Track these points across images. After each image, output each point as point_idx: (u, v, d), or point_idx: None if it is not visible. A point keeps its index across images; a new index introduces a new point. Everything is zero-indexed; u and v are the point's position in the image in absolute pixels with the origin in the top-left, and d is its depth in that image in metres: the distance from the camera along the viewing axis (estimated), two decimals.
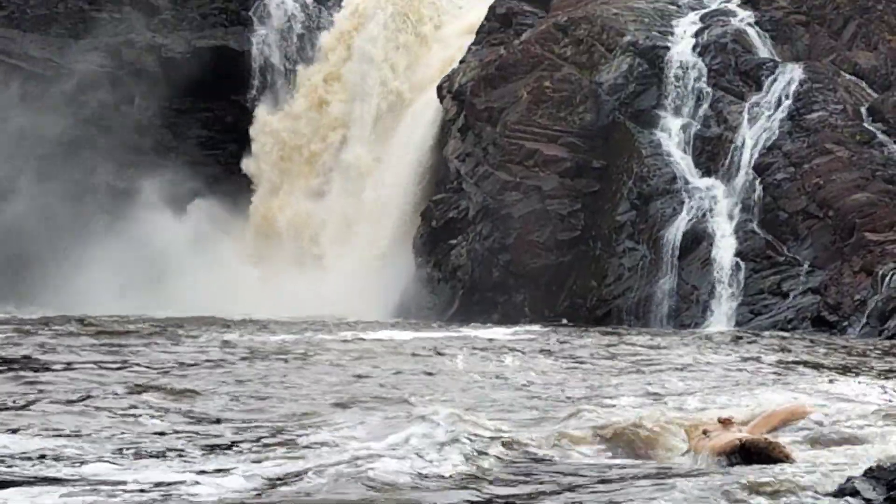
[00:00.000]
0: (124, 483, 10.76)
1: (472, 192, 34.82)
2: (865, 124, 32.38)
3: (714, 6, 37.43)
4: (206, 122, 43.30)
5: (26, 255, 39.34)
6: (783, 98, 33.32)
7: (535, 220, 33.53)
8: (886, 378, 17.65)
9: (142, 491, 10.50)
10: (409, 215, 37.52)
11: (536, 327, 29.27)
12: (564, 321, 32.04)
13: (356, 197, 39.61)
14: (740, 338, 25.76)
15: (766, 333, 27.42)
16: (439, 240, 35.56)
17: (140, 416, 14.36)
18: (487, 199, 34.24)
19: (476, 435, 12.54)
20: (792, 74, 33.79)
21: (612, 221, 33.09)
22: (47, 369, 18.31)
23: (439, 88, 37.87)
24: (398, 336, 25.23)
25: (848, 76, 34.20)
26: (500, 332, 26.74)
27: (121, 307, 34.68)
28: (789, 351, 22.48)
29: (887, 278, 27.54)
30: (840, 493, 9.59)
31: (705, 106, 34.17)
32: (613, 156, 34.00)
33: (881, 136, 31.87)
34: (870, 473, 9.69)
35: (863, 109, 32.93)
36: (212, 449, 12.47)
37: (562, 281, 33.31)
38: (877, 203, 29.88)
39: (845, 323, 27.72)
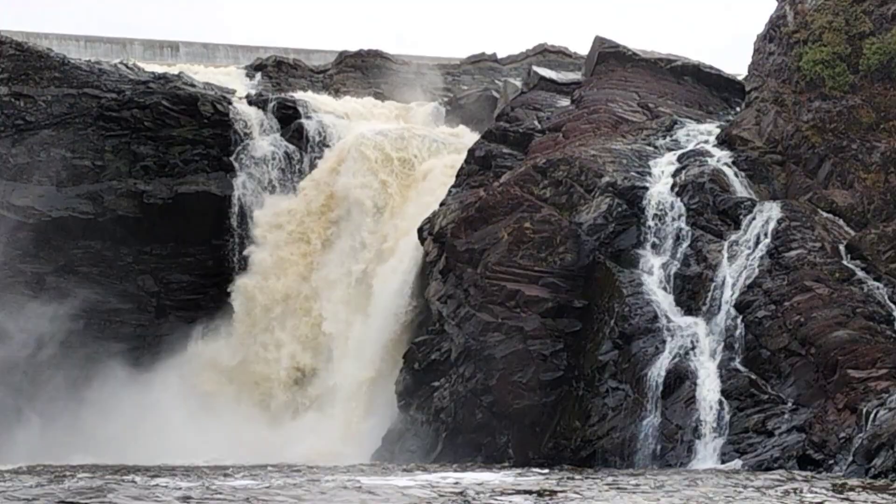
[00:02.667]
0: None
1: (454, 334, 34.78)
2: (844, 262, 32.59)
3: (691, 147, 37.93)
4: (188, 266, 43.31)
5: None
6: (762, 236, 33.57)
7: (518, 360, 33.44)
8: None
9: None
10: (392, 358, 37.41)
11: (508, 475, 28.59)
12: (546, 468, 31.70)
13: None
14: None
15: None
16: (422, 382, 35.41)
17: None
18: (469, 341, 34.18)
19: None
20: (770, 213, 34.10)
21: (595, 361, 33.03)
22: None
23: (420, 231, 38.08)
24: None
25: (825, 214, 34.53)
26: (488, 478, 26.33)
27: None
28: None
29: (872, 415, 27.42)
30: None
31: (685, 245, 34.39)
32: (594, 295, 34.08)
33: (860, 274, 32.05)
34: None
35: (841, 247, 33.19)
36: None
37: (546, 422, 33.10)
38: (858, 340, 29.91)
39: (831, 461, 27.51)
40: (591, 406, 32.55)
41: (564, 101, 41.85)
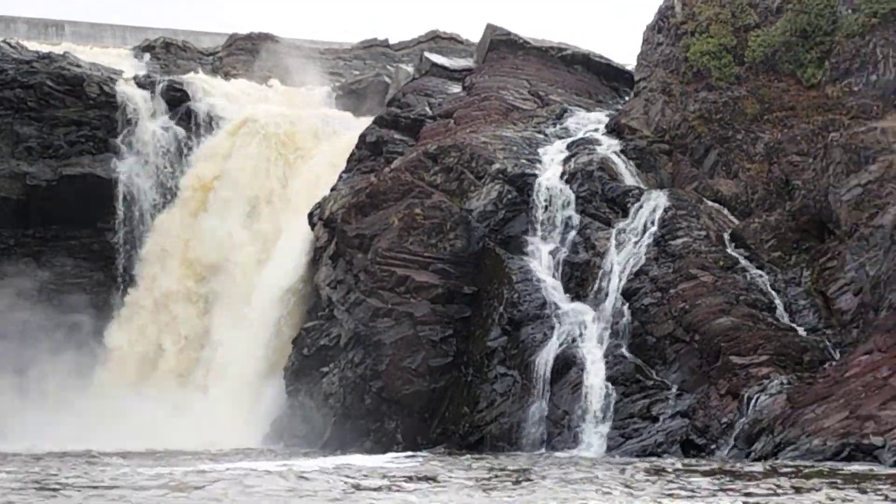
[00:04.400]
0: None
1: (344, 320, 34.72)
2: (728, 250, 33.14)
3: (580, 135, 38.27)
4: (72, 250, 42.64)
5: None
6: (649, 224, 33.98)
7: (407, 346, 33.50)
8: None
9: None
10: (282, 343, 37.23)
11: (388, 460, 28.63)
12: (442, 449, 31.86)
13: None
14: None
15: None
16: (311, 368, 35.30)
17: None
18: (359, 326, 34.15)
19: None
20: (657, 201, 34.54)
21: (484, 347, 33.21)
22: None
23: (310, 216, 37.91)
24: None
25: (710, 203, 35.08)
26: (372, 462, 26.40)
27: None
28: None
29: (753, 401, 27.96)
30: None
31: (574, 232, 34.70)
32: (484, 282, 34.25)
33: (743, 262, 32.62)
34: None
35: (725, 235, 33.74)
36: None
37: (434, 407, 33.21)
38: (741, 327, 30.45)
39: (713, 446, 28.02)
40: (479, 392, 32.73)
41: (456, 88, 41.95)
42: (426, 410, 33.20)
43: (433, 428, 33.08)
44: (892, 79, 35.53)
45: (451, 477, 22.79)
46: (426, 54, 44.94)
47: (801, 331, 30.56)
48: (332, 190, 38.27)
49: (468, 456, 29.20)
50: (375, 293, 34.24)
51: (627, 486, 20.91)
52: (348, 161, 39.71)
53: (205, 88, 44.93)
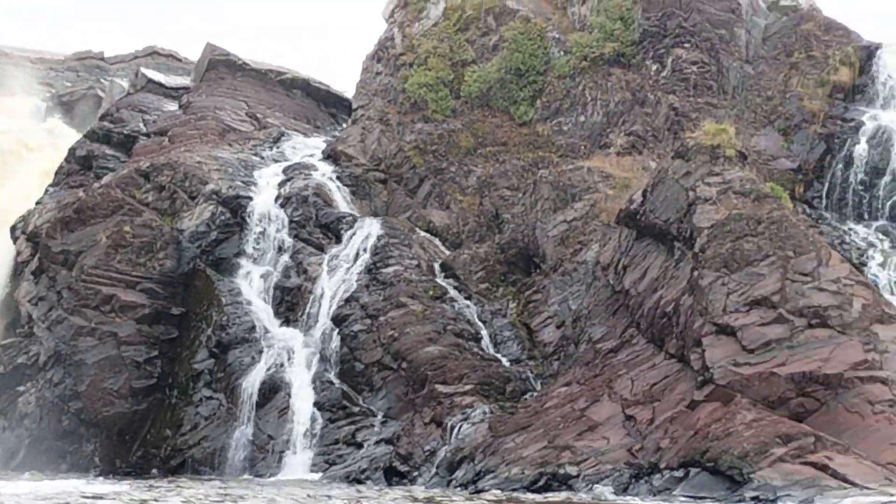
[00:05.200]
0: None
1: (44, 337, 33.54)
2: (438, 280, 33.62)
3: (296, 160, 38.20)
4: None
5: None
6: (361, 251, 34.15)
7: (110, 366, 32.59)
8: None
9: None
10: None
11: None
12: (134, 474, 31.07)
13: None
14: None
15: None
16: (7, 386, 33.93)
17: None
18: (60, 345, 33.03)
19: None
20: (370, 229, 34.76)
21: (190, 369, 32.65)
22: None
23: (13, 229, 36.53)
24: None
25: (423, 233, 35.56)
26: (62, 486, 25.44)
27: None
28: None
29: (456, 429, 28.35)
30: None
31: (286, 256, 34.56)
32: (193, 303, 33.71)
33: (452, 292, 33.15)
34: None
35: (436, 265, 34.24)
36: None
37: (136, 430, 32.40)
38: (447, 356, 30.88)
39: (416, 473, 28.25)
40: (183, 415, 32.14)
41: (172, 106, 41.27)
42: (127, 433, 32.34)
43: (133, 451, 32.25)
44: (598, 120, 36.88)
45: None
46: (142, 70, 44.08)
47: (505, 361, 31.22)
48: (38, 203, 36.98)
49: (165, 481, 28.56)
50: (79, 311, 33.19)
51: None
52: (56, 174, 38.50)
53: None
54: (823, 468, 21.93)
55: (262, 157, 38.16)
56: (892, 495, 20.59)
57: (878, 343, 24.49)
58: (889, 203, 33.26)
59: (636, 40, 37.49)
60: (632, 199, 30.34)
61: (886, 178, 33.47)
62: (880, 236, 32.68)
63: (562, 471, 24.94)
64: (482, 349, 31.54)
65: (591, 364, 28.42)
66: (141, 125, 40.00)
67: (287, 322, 33.33)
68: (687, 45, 36.82)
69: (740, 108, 35.85)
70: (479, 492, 24.93)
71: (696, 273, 26.51)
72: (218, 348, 32.58)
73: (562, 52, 38.11)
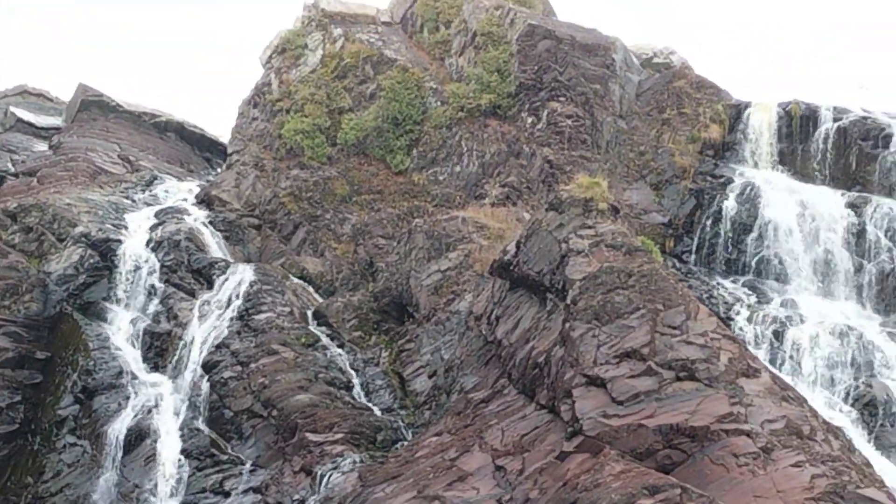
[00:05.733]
0: None
1: None
2: (311, 327, 33.43)
3: (169, 203, 37.80)
4: None
5: None
6: (234, 298, 33.83)
7: None
8: None
9: None
10: None
11: None
12: None
13: None
14: None
15: None
16: None
17: None
18: None
19: None
20: (243, 275, 34.47)
21: (54, 415, 31.91)
22: None
23: None
24: None
25: (296, 280, 35.38)
26: None
27: None
28: None
29: (325, 478, 28.12)
30: None
31: (156, 301, 34.09)
32: (59, 347, 33.02)
33: (325, 339, 32.98)
34: None
35: (309, 313, 34.05)
36: None
37: None
38: (318, 404, 30.65)
39: None
40: (46, 462, 31.36)
41: (42, 146, 40.64)
42: None
43: None
44: (474, 171, 37.12)
45: None
46: (12, 108, 43.35)
47: (376, 410, 31.08)
48: None
49: None
50: None
51: None
52: None
53: None
54: None
55: (134, 201, 37.69)
56: None
57: (743, 396, 24.87)
58: (756, 259, 33.93)
59: (512, 93, 37.88)
60: (505, 250, 30.52)
61: (753, 234, 34.16)
62: (747, 291, 33.30)
63: None
64: (353, 398, 31.38)
65: (462, 414, 28.42)
66: (9, 165, 39.28)
67: (156, 368, 32.82)
68: (562, 98, 37.30)
69: (613, 162, 36.38)
70: None
71: (567, 325, 26.71)
72: (84, 394, 31.93)
73: (439, 103, 38.35)
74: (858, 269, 33.31)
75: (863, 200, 34.22)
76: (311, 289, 35.45)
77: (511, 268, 29.81)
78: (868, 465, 25.41)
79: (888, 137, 34.99)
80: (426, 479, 26.26)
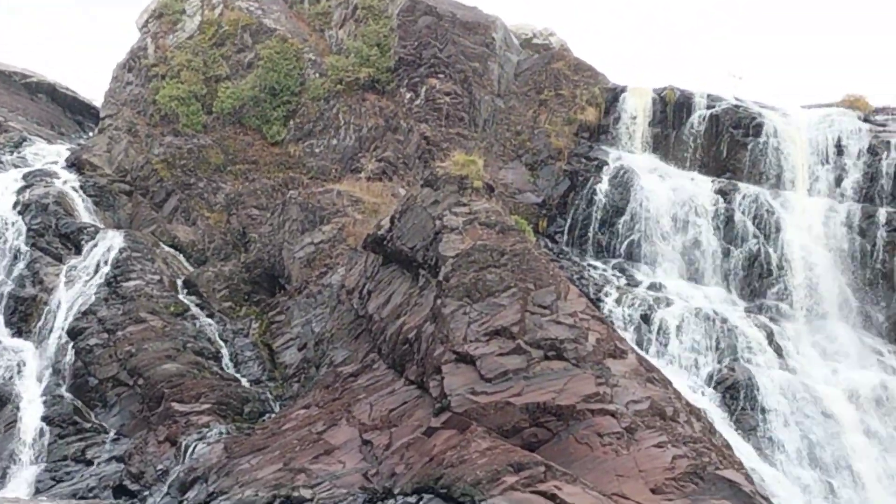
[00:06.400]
0: None
1: None
2: (180, 296, 33.07)
3: (38, 166, 37.04)
4: None
5: None
6: (102, 264, 33.31)
7: None
8: None
9: None
10: None
11: None
12: None
13: None
14: None
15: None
16: None
17: None
18: None
19: None
20: (112, 241, 33.93)
21: None
22: None
23: None
24: None
25: (167, 248, 34.94)
26: None
27: None
28: None
29: (190, 449, 27.87)
30: None
31: (22, 265, 33.43)
32: None
33: (194, 309, 32.65)
34: None
35: (179, 281, 33.68)
36: None
37: None
38: (185, 374, 30.36)
39: (146, 493, 27.63)
40: None
41: None
42: None
43: None
44: (351, 144, 36.98)
45: None
46: None
47: (244, 382, 30.89)
48: None
49: None
50: None
51: None
52: None
53: None
54: (552, 497, 22.39)
55: (1, 162, 36.86)
56: None
57: (609, 377, 25.21)
58: (627, 242, 34.38)
59: (392, 67, 37.79)
60: (380, 225, 30.49)
61: (625, 218, 34.59)
62: (617, 273, 33.73)
63: (296, 494, 24.77)
64: (222, 368, 31.15)
65: (331, 387, 28.37)
66: None
67: (19, 333, 32.23)
68: (441, 75, 37.31)
69: (490, 140, 36.52)
70: None
71: (439, 301, 26.79)
72: None
73: (317, 75, 38.10)
74: (726, 255, 33.94)
75: (732, 187, 34.84)
76: (181, 257, 35.07)
77: (385, 243, 29.79)
78: (728, 447, 25.97)
79: (759, 126, 35.65)
80: (292, 451, 26.18)
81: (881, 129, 35.83)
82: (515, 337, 25.72)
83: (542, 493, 22.49)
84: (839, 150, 35.28)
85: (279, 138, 37.55)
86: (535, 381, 24.98)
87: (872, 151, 34.83)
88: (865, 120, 36.26)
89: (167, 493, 27.11)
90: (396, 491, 24.11)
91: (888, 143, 34.81)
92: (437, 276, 27.41)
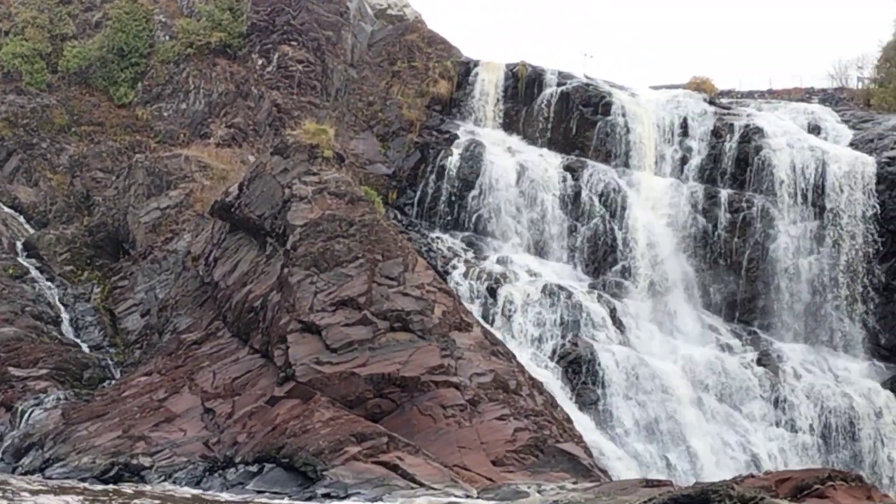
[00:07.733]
0: None
1: None
2: (20, 259, 32.29)
3: None
4: None
5: None
6: None
7: None
8: None
9: None
10: None
11: None
12: None
13: None
14: None
15: None
16: None
17: None
18: None
19: None
20: None
21: None
22: None
23: None
24: None
25: (7, 209, 34.08)
26: None
27: None
28: None
29: (27, 415, 27.27)
30: None
31: None
32: None
33: (34, 272, 31.93)
34: None
35: (18, 244, 32.88)
36: None
37: None
38: (23, 338, 29.68)
39: None
40: None
41: None
42: None
43: None
44: (200, 109, 36.47)
45: None
46: None
47: (85, 347, 30.32)
48: None
49: None
50: None
51: None
52: None
53: None
54: (394, 468, 22.46)
55: None
56: (456, 496, 21.33)
57: (454, 349, 25.36)
58: (475, 215, 34.55)
59: (244, 33, 37.35)
60: (228, 192, 30.15)
61: (475, 192, 34.76)
62: (465, 246, 33.89)
63: (135, 461, 24.42)
64: (61, 333, 30.52)
65: (174, 355, 28.01)
66: None
67: None
68: (294, 42, 37.00)
69: (342, 110, 36.36)
70: (47, 480, 24.03)
71: (286, 270, 26.62)
72: None
73: (167, 37, 37.48)
74: (572, 231, 34.32)
75: (580, 164, 35.23)
76: (22, 219, 34.23)
77: (232, 210, 29.47)
78: (568, 420, 26.34)
79: (608, 105, 36.09)
80: (132, 418, 25.79)
81: (725, 111, 36.58)
82: (362, 308, 25.70)
83: (385, 464, 22.56)
84: (685, 131, 35.93)
85: (126, 100, 36.86)
86: (380, 352, 25.00)
87: (717, 134, 35.53)
88: (711, 102, 36.98)
89: (1, 460, 26.49)
90: (238, 460, 23.93)
91: (731, 125, 35.54)
92: (285, 245, 27.22)
